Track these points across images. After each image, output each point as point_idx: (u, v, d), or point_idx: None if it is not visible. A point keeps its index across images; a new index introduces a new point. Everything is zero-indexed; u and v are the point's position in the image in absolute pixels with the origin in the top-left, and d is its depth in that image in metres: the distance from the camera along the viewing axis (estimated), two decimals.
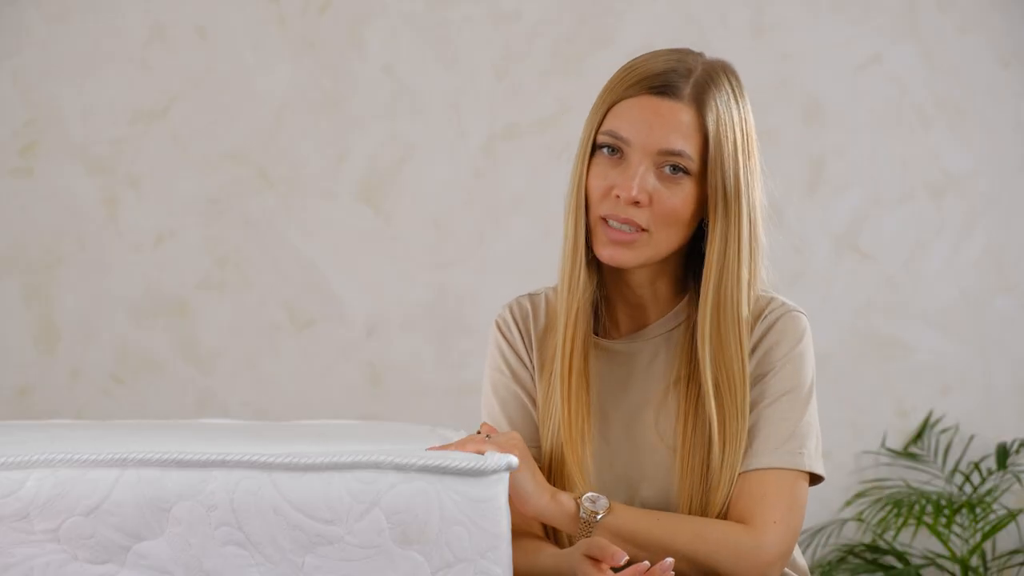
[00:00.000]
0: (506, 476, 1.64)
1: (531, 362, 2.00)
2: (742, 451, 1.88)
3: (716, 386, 1.88)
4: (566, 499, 1.83)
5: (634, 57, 1.93)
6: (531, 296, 2.04)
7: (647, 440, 1.93)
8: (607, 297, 1.97)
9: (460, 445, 1.72)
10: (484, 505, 1.61)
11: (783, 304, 1.94)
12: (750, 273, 1.89)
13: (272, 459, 1.58)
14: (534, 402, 1.99)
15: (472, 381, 3.68)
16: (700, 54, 1.91)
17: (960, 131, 3.73)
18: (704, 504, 1.89)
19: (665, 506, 1.92)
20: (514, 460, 1.66)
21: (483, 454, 1.67)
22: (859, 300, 3.73)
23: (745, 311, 1.89)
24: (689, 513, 1.89)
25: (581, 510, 1.82)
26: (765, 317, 1.92)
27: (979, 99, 3.73)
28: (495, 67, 3.72)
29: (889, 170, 3.74)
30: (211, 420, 2.21)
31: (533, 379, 2.00)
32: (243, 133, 3.71)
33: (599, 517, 1.82)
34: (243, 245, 3.70)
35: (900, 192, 3.74)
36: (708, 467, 1.88)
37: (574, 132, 3.75)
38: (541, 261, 3.69)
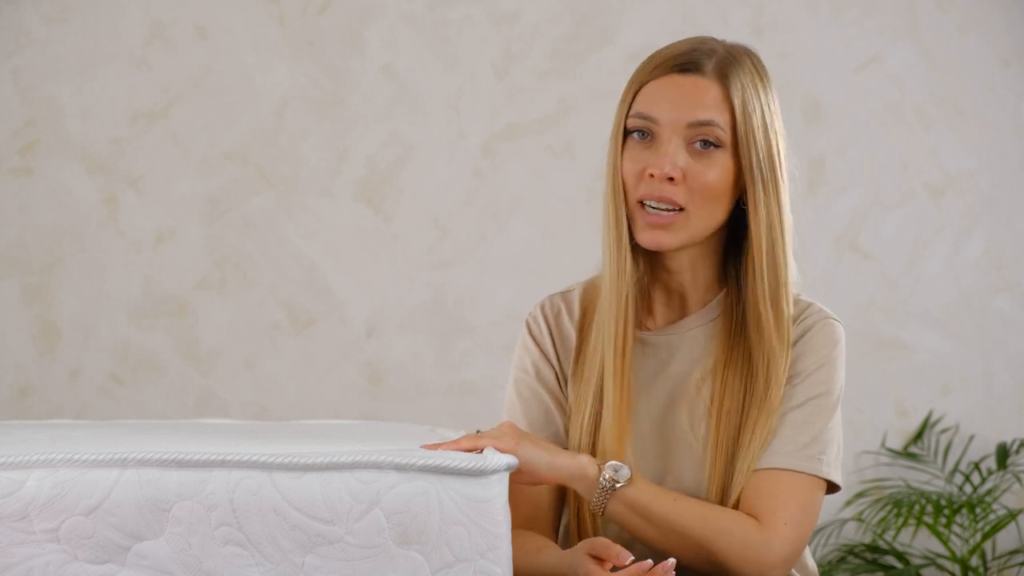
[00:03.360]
0: (506, 476, 1.64)
1: (559, 363, 1.99)
2: (765, 445, 1.87)
3: (764, 366, 1.88)
4: (588, 461, 1.81)
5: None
6: (563, 294, 2.02)
7: (677, 435, 1.92)
8: (646, 287, 1.96)
9: (454, 444, 1.71)
10: (484, 505, 1.61)
11: (821, 310, 1.95)
12: (790, 250, 1.91)
13: (272, 459, 1.58)
14: (558, 403, 1.98)
15: (472, 381, 3.67)
16: (723, 40, 1.93)
17: (960, 131, 3.73)
18: (727, 498, 1.88)
19: None
20: (514, 460, 1.66)
21: (480, 451, 1.66)
22: (859, 300, 3.73)
23: (792, 287, 1.90)
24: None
25: (601, 476, 1.81)
26: (803, 320, 1.93)
27: (979, 99, 3.73)
28: (495, 67, 3.72)
29: (889, 170, 3.74)
30: (211, 420, 2.21)
31: (559, 380, 1.99)
32: (243, 133, 3.71)
33: (618, 486, 1.81)
34: (243, 245, 3.70)
35: (900, 192, 3.74)
36: (734, 459, 1.88)
37: (574, 132, 3.77)
38: (541, 261, 3.70)
